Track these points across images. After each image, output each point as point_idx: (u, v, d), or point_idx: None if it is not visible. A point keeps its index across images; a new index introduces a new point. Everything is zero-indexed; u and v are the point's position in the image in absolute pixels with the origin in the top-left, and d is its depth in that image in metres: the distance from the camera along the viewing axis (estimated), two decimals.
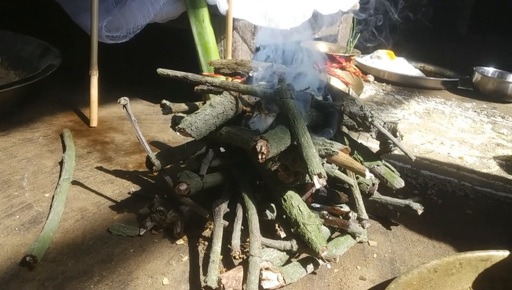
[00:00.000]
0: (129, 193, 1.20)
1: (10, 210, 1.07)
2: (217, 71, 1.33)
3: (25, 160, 1.31)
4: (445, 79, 2.75)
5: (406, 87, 2.61)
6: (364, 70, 2.69)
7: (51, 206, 1.09)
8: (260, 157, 0.85)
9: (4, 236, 0.98)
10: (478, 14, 4.81)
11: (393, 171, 1.10)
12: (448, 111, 2.27)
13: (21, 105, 1.63)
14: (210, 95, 1.35)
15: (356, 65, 2.35)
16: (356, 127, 1.13)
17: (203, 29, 1.65)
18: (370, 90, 2.50)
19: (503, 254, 0.95)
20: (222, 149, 1.17)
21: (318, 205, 1.05)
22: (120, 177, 1.28)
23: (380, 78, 2.70)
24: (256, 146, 0.85)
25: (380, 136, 1.08)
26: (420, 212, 1.14)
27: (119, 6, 1.65)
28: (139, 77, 2.10)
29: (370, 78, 2.68)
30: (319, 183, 0.84)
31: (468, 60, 3.01)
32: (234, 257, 0.95)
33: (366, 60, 2.86)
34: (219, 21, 1.68)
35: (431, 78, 2.78)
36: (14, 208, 1.09)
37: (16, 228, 1.01)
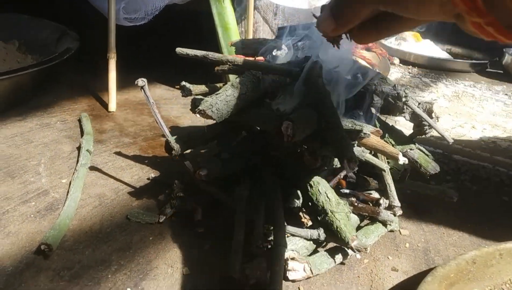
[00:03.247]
0: (148, 178, 1.16)
1: (25, 197, 1.04)
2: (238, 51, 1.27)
3: (42, 145, 1.28)
4: (474, 61, 2.64)
5: (433, 70, 2.51)
6: (389, 53, 2.60)
7: (68, 192, 1.06)
8: (286, 139, 0.80)
9: (19, 223, 0.95)
10: None
11: (427, 155, 1.03)
12: (478, 94, 2.17)
13: (38, 89, 1.60)
14: (231, 76, 1.29)
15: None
16: (388, 108, 1.06)
17: (223, 10, 1.59)
18: (396, 72, 2.41)
19: None
20: (244, 133, 1.12)
21: (346, 191, 0.99)
22: (139, 162, 1.24)
23: (406, 60, 2.60)
24: (282, 128, 0.80)
25: (414, 118, 1.01)
26: (455, 199, 1.07)
27: None
28: (158, 61, 2.05)
29: (396, 60, 2.59)
30: (349, 168, 0.78)
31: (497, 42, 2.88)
32: (258, 246, 0.90)
33: (391, 42, 2.76)
34: (239, 1, 1.62)
35: (460, 60, 2.67)
36: (30, 194, 1.05)
37: (32, 215, 0.98)
